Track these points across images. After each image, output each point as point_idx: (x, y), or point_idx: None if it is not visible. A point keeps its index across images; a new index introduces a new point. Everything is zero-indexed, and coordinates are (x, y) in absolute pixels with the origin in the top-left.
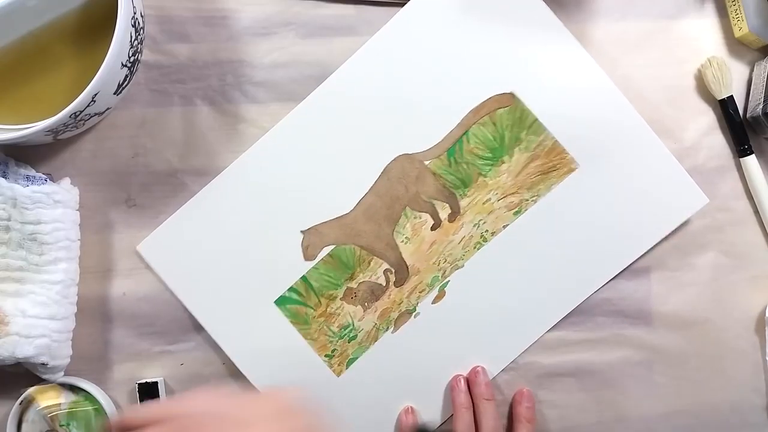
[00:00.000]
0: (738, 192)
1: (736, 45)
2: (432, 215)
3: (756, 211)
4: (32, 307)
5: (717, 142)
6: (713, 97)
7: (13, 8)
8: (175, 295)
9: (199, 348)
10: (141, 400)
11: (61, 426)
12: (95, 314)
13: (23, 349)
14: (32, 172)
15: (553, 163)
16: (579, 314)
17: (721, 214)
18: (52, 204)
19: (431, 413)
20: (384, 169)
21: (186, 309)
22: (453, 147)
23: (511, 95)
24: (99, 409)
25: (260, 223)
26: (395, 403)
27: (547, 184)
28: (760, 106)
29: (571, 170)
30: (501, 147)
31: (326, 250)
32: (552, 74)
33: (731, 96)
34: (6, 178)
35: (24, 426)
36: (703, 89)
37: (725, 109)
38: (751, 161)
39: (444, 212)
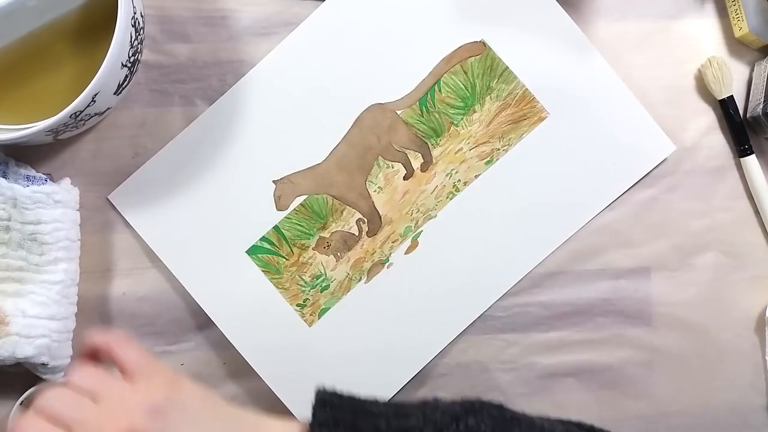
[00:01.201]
0: (738, 192)
1: (736, 45)
2: (404, 165)
3: (756, 211)
4: (32, 307)
5: (717, 142)
6: (713, 97)
7: (13, 8)
8: (146, 243)
9: (199, 348)
10: None
11: None
12: (95, 314)
13: (23, 349)
14: (32, 172)
15: (524, 112)
16: (579, 314)
17: (721, 214)
18: (52, 204)
19: (401, 365)
20: (356, 119)
21: (191, 303)
22: (425, 96)
23: (482, 44)
24: None
25: (232, 173)
26: (368, 354)
27: (518, 133)
28: (760, 106)
29: (542, 119)
30: (472, 96)
31: (299, 200)
32: (522, 23)
33: (731, 96)
34: (6, 178)
35: None
36: (703, 89)
37: (725, 109)
38: (751, 161)
39: (416, 162)
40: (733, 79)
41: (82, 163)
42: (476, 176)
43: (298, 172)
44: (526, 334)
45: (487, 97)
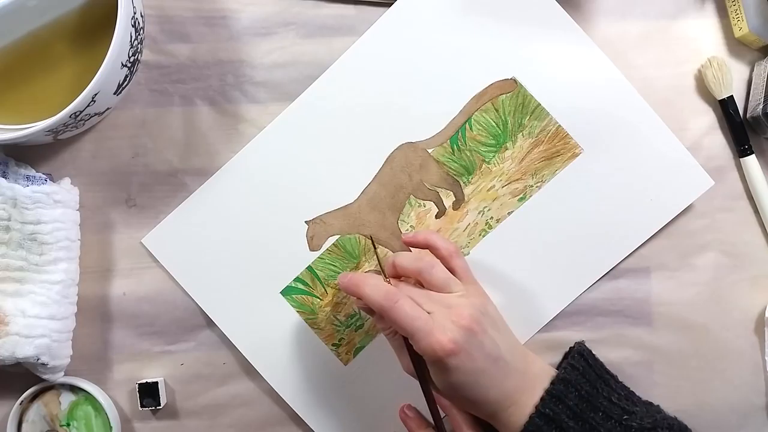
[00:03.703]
0: (738, 192)
1: (736, 45)
2: (436, 203)
3: (756, 211)
4: (32, 307)
5: (717, 142)
6: (713, 97)
7: (13, 8)
8: (181, 287)
9: (199, 348)
10: (141, 400)
11: (61, 426)
12: (95, 314)
13: (23, 349)
14: (32, 172)
15: (557, 149)
16: (579, 314)
17: (721, 214)
18: (52, 204)
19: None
20: (387, 158)
21: (191, 303)
22: (456, 134)
23: (513, 81)
24: (99, 409)
25: (265, 214)
26: (403, 391)
27: (552, 169)
28: (760, 106)
29: (576, 155)
30: (504, 133)
31: (331, 239)
32: (553, 59)
33: (731, 96)
34: (6, 178)
35: (24, 426)
36: (703, 89)
37: (725, 109)
38: (751, 161)
39: (448, 200)
40: (733, 79)
41: (82, 163)
42: (509, 213)
43: (330, 212)
44: None
45: (519, 134)
